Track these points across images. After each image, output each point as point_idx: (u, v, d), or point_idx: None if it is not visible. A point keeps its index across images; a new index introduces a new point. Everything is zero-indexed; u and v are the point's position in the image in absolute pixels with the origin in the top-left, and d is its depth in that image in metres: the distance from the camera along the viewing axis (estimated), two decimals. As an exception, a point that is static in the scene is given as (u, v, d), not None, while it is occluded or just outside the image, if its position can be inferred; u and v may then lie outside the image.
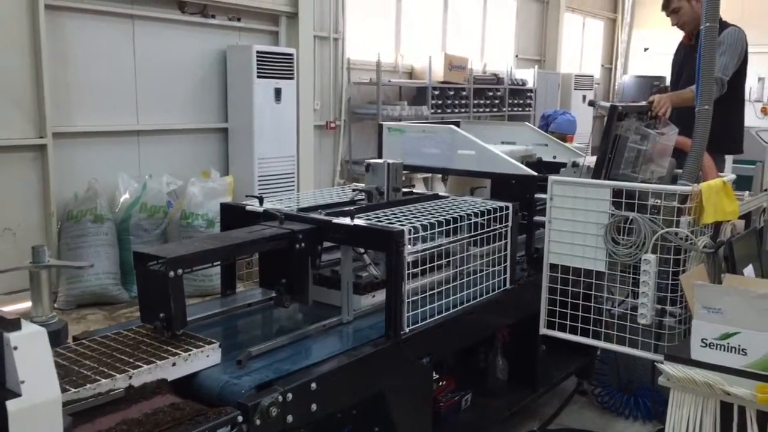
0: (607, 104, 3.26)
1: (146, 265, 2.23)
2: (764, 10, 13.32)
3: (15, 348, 1.49)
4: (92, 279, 5.44)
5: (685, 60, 4.58)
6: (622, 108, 3.21)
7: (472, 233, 2.99)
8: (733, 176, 3.09)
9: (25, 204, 5.43)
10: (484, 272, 3.08)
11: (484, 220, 3.01)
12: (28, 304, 2.15)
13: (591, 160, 3.20)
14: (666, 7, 4.57)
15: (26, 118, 5.34)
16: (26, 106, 5.33)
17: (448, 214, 2.89)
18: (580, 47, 14.19)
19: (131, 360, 2.09)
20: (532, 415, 3.85)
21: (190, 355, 2.18)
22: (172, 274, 2.18)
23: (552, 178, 3.00)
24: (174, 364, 2.13)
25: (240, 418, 1.96)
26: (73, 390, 1.87)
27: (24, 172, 5.40)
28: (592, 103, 4.15)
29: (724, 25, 4.32)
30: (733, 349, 2.20)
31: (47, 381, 1.54)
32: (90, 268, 5.28)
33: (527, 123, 4.68)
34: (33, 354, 1.52)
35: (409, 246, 2.57)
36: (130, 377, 2.01)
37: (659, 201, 2.72)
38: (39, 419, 1.52)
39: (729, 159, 5.97)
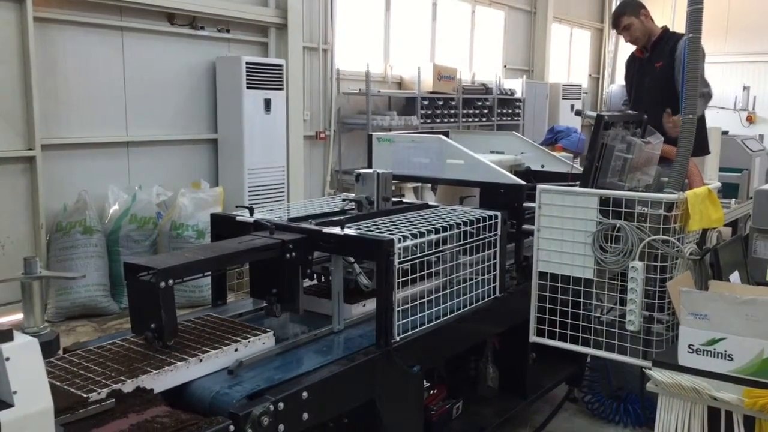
0: (594, 114, 3.29)
1: (137, 276, 2.23)
2: (748, 21, 13.52)
3: (7, 359, 1.49)
4: (82, 291, 5.42)
5: (640, 72, 4.65)
6: (609, 117, 3.25)
7: (462, 242, 3.01)
8: (719, 184, 3.13)
9: (14, 216, 5.41)
10: (474, 281, 3.10)
11: (473, 229, 3.04)
12: (19, 316, 2.16)
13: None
14: (617, 25, 4.64)
15: (15, 130, 5.33)
16: (15, 118, 5.32)
17: (438, 223, 2.91)
18: (567, 57, 14.30)
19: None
20: (523, 422, 3.87)
21: (249, 342, 2.39)
22: (162, 284, 2.19)
23: (540, 186, 3.02)
24: (236, 350, 2.35)
25: (232, 428, 1.97)
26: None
27: (13, 184, 5.39)
28: (578, 113, 4.17)
29: (678, 36, 4.37)
30: (720, 355, 2.23)
31: (39, 391, 1.54)
32: (81, 279, 5.27)
33: (515, 132, 4.72)
34: (25, 364, 1.52)
35: (399, 255, 2.59)
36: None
37: (646, 209, 2.75)
38: (31, 430, 1.52)
39: (715, 167, 6.03)
